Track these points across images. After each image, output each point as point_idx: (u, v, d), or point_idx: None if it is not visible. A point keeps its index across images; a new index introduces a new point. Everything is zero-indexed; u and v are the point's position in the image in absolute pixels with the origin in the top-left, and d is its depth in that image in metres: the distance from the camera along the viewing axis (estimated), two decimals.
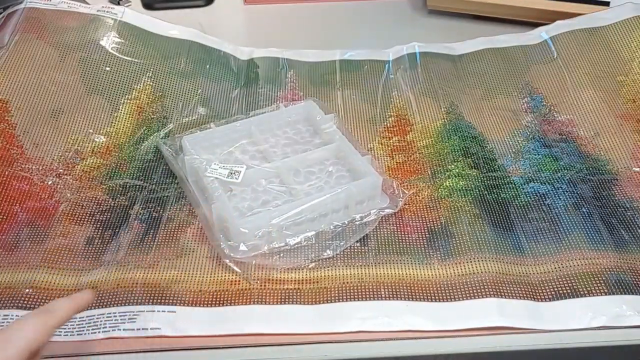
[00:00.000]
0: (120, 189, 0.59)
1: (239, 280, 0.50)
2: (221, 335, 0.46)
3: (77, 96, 0.66)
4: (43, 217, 0.55)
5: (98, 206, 0.57)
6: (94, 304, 0.48)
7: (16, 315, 0.47)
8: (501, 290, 0.49)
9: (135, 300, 0.48)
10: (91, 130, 0.63)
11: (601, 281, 0.49)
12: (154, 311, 0.47)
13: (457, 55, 0.76)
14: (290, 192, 0.55)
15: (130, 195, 0.58)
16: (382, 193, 0.56)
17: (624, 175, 0.59)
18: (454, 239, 0.53)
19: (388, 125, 0.67)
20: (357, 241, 0.53)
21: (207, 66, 0.74)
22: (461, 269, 0.50)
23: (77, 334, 0.46)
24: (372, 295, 0.49)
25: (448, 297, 0.49)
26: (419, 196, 0.58)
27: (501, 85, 0.72)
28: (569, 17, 0.77)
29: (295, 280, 0.50)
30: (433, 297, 0.49)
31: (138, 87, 0.69)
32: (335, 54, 0.77)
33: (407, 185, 0.59)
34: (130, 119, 0.66)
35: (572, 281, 0.50)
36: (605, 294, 0.48)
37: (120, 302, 0.48)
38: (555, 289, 0.49)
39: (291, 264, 0.51)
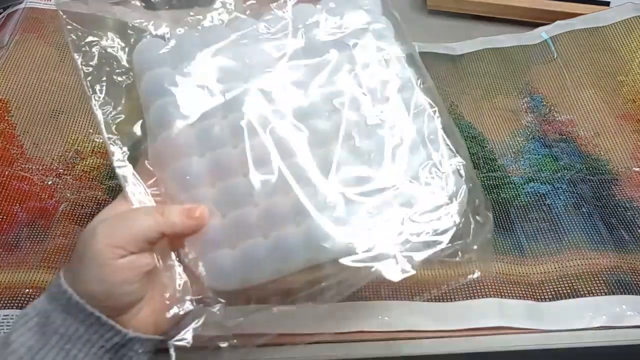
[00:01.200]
0: (120, 189, 0.58)
1: None
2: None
3: (77, 96, 0.66)
4: (43, 217, 0.55)
5: (98, 206, 0.57)
6: None
7: (16, 316, 0.46)
8: (501, 290, 0.49)
9: None
10: (91, 130, 0.63)
11: (601, 281, 0.49)
12: None
13: (457, 55, 0.76)
14: None
15: None
16: None
17: (624, 175, 0.59)
18: None
19: None
20: None
21: None
22: (461, 269, 0.50)
23: None
24: (372, 295, 0.49)
25: (448, 297, 0.49)
26: None
27: (501, 85, 0.72)
28: (569, 17, 0.76)
29: None
30: (433, 297, 0.49)
31: None
32: None
33: None
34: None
35: (572, 281, 0.50)
36: (605, 294, 0.48)
37: None
38: (555, 289, 0.49)
39: None
